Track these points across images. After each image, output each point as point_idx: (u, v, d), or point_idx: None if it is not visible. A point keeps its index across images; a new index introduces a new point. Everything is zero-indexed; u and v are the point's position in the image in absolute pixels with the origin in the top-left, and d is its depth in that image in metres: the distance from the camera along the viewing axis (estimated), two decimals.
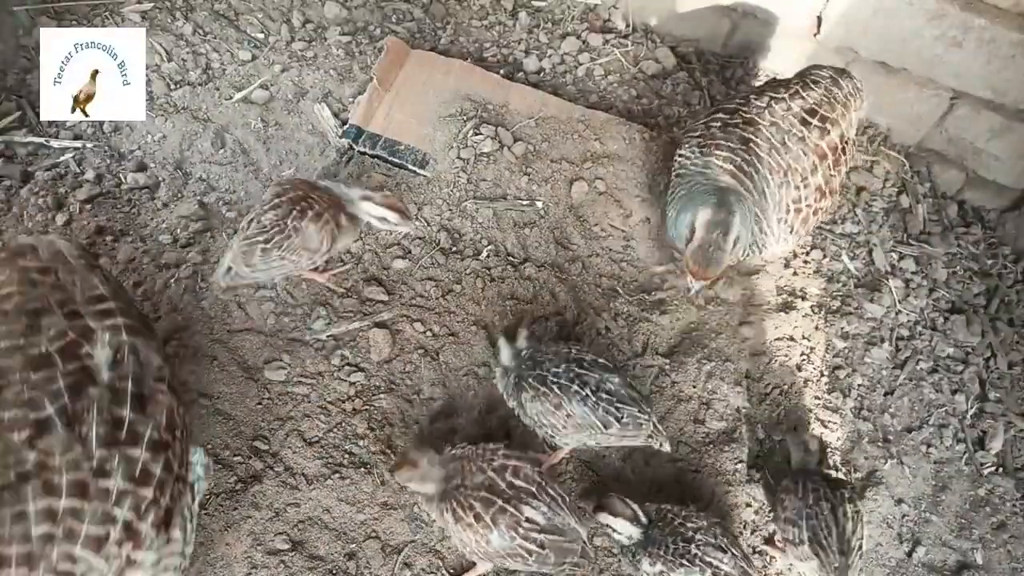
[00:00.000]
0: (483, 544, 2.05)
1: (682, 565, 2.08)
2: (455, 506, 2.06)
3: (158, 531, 1.59)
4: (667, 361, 2.64)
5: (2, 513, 1.47)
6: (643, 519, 2.15)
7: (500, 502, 2.03)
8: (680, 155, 2.54)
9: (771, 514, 2.42)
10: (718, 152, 2.42)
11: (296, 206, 2.31)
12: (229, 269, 2.36)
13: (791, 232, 2.49)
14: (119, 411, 1.61)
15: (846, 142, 2.52)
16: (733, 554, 2.12)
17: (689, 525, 2.14)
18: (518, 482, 2.07)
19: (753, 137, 2.41)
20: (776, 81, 2.61)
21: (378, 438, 2.42)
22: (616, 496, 2.17)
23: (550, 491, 2.09)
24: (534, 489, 2.07)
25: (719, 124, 2.48)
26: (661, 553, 2.11)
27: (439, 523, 2.21)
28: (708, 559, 2.08)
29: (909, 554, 2.54)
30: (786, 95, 2.47)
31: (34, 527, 1.46)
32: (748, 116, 2.45)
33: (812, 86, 2.50)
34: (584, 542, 2.12)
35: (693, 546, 2.09)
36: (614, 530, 2.16)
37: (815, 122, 2.42)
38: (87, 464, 1.52)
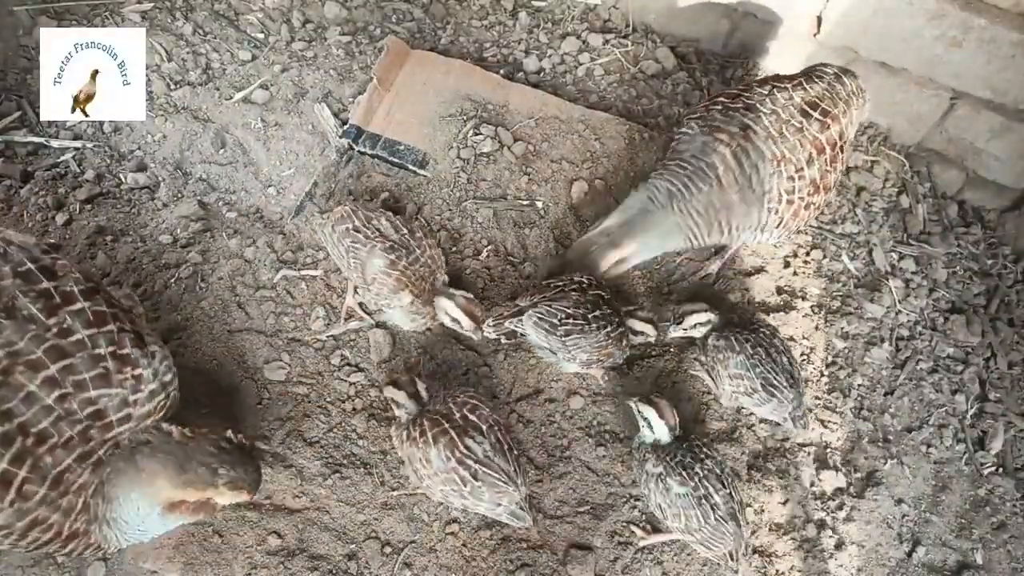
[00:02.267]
0: (424, 463, 2.15)
1: (679, 475, 2.21)
2: (414, 427, 2.18)
3: (141, 350, 1.80)
4: (667, 361, 2.64)
5: (13, 406, 1.61)
6: (677, 431, 2.31)
7: (447, 425, 2.15)
8: (680, 132, 2.55)
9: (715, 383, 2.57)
10: (718, 136, 2.41)
11: (407, 255, 2.39)
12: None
13: (780, 224, 2.47)
14: (39, 286, 1.72)
15: (845, 140, 2.51)
16: (730, 494, 2.21)
17: (705, 452, 2.27)
18: (472, 417, 2.18)
19: (752, 124, 2.39)
20: (780, 75, 2.61)
21: (378, 438, 2.42)
22: (668, 403, 2.33)
23: (499, 435, 2.19)
24: (484, 428, 2.17)
25: (720, 107, 2.47)
26: (667, 459, 2.24)
27: (398, 449, 2.29)
28: (705, 483, 2.20)
29: (909, 554, 2.54)
30: (789, 86, 2.46)
31: (47, 398, 1.64)
32: (750, 102, 2.44)
33: (816, 80, 2.49)
34: (521, 500, 2.18)
35: (698, 466, 2.22)
36: (649, 425, 2.31)
37: (816, 115, 2.40)
38: (48, 334, 1.67)
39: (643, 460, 2.31)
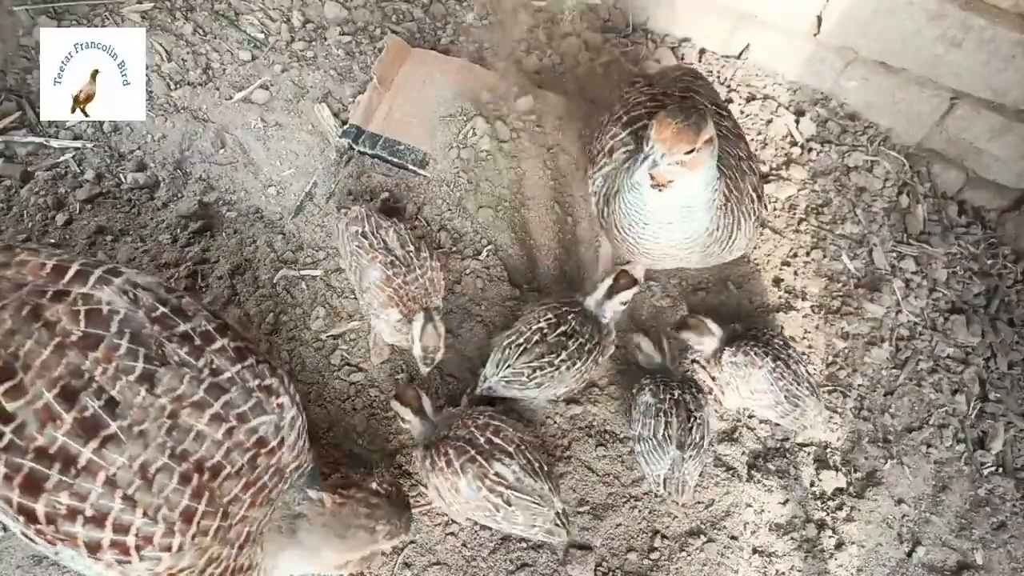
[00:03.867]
0: (453, 492, 2.12)
1: (652, 387, 2.37)
2: (433, 454, 2.15)
3: (276, 378, 1.80)
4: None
5: (186, 446, 1.61)
6: (667, 359, 2.49)
7: (473, 452, 2.12)
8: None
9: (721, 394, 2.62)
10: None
11: (406, 273, 2.37)
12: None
13: (755, 219, 2.36)
14: (177, 329, 1.70)
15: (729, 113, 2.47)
16: (689, 429, 2.30)
17: (694, 391, 2.39)
18: (496, 440, 2.15)
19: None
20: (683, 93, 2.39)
21: (378, 437, 2.42)
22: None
23: (527, 455, 2.16)
24: (511, 449, 2.14)
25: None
26: (656, 376, 2.40)
27: (420, 473, 2.26)
28: (672, 405, 2.32)
29: (909, 554, 2.54)
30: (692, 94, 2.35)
31: (215, 433, 1.65)
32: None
33: (688, 90, 2.38)
34: (559, 513, 2.16)
35: (676, 391, 2.35)
36: (640, 349, 2.49)
37: (724, 112, 2.39)
38: (200, 375, 1.67)
39: (639, 383, 2.43)
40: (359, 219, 2.45)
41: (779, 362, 2.41)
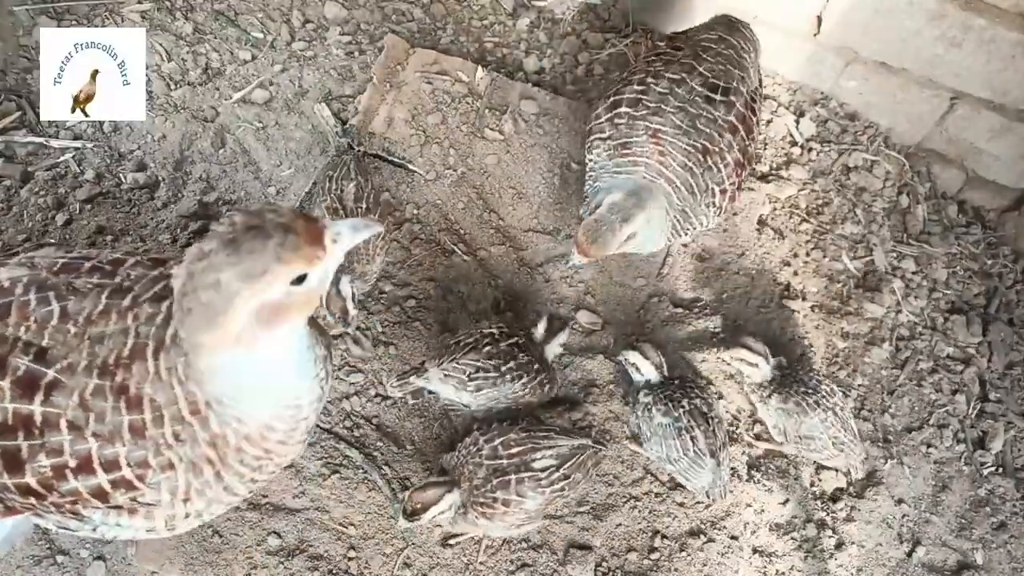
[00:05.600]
0: (524, 515, 2.17)
1: (664, 406, 2.33)
2: (481, 508, 2.13)
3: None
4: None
5: (104, 356, 1.51)
6: (664, 369, 2.42)
7: (513, 476, 2.14)
8: (591, 160, 2.41)
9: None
10: (629, 154, 2.30)
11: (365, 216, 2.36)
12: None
13: (720, 212, 2.41)
14: (83, 266, 1.66)
15: (753, 99, 2.45)
16: (713, 431, 2.31)
17: (696, 392, 2.38)
18: (514, 450, 2.17)
19: (661, 127, 2.29)
20: (669, 57, 2.45)
21: (378, 438, 2.42)
22: (650, 344, 2.46)
23: (542, 434, 2.22)
24: (530, 445, 2.18)
25: (626, 121, 2.33)
26: (658, 392, 2.37)
27: (475, 531, 2.27)
28: (688, 417, 2.30)
29: (909, 554, 2.54)
30: (683, 74, 2.35)
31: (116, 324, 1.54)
32: (654, 106, 2.31)
33: (703, 55, 2.40)
34: (590, 438, 2.28)
35: (685, 401, 2.33)
36: (637, 368, 2.42)
37: (719, 98, 2.33)
38: (112, 281, 1.61)
39: (636, 396, 2.42)
40: (334, 163, 2.47)
41: (829, 413, 2.42)
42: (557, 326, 2.43)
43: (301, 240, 1.29)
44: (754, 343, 2.47)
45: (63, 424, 1.49)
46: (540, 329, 2.43)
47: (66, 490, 1.52)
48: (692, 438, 2.28)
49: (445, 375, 2.31)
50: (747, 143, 2.40)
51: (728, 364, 2.56)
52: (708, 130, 2.30)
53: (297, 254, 1.29)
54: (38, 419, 1.50)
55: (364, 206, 2.42)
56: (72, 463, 1.50)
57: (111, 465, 1.50)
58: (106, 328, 1.53)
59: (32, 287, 1.60)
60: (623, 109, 2.35)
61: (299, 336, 1.52)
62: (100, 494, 1.53)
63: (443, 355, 2.33)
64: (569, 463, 2.19)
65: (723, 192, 2.36)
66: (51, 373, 1.51)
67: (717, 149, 2.31)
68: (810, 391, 2.44)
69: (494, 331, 2.37)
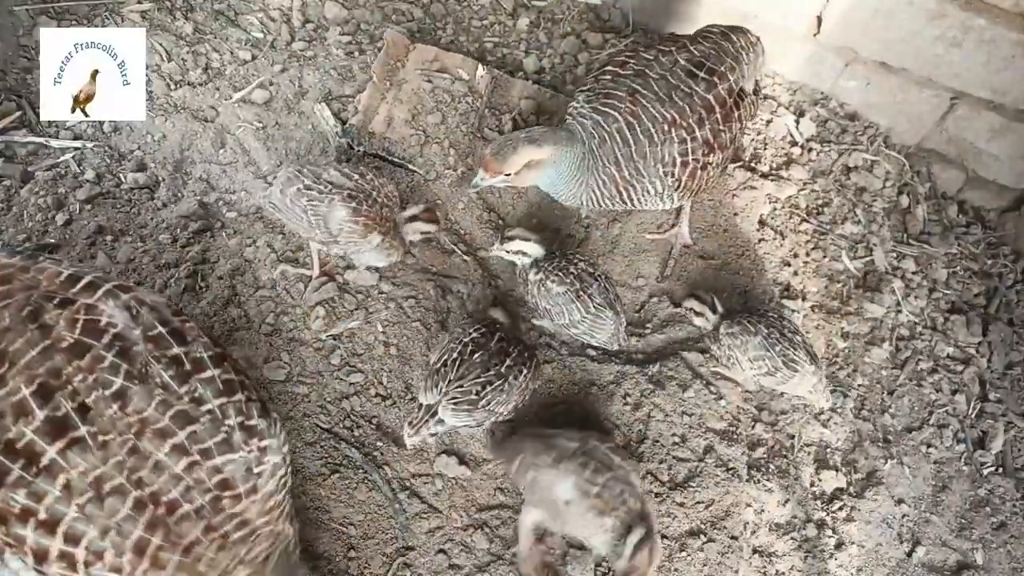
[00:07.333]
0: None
1: (556, 276, 2.44)
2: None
3: (266, 420, 1.76)
4: (668, 359, 2.65)
5: (143, 475, 1.57)
6: (545, 245, 2.51)
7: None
8: (570, 108, 2.51)
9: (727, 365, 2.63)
10: (608, 104, 2.39)
11: (367, 199, 2.41)
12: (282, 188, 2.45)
13: (679, 187, 2.44)
14: (170, 351, 1.69)
15: (740, 96, 2.48)
16: (604, 287, 2.47)
17: (578, 257, 2.52)
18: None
19: (640, 88, 2.37)
20: (667, 38, 2.61)
21: (377, 438, 2.42)
22: (523, 228, 2.56)
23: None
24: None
25: (610, 76, 2.46)
26: (545, 266, 2.46)
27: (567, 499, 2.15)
28: (580, 280, 2.43)
29: (909, 554, 2.54)
30: (673, 48, 2.45)
31: (175, 466, 1.60)
32: (638, 68, 2.42)
33: (701, 41, 2.49)
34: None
35: (572, 267, 2.46)
36: (524, 253, 2.49)
37: (701, 74, 2.39)
38: (179, 401, 1.64)
39: (525, 278, 2.51)
40: (293, 177, 2.43)
41: (772, 329, 2.47)
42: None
43: None
44: (703, 295, 2.60)
45: (61, 479, 1.52)
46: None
47: (15, 533, 1.53)
48: (589, 296, 2.41)
49: (455, 404, 2.20)
50: (721, 128, 2.42)
51: (684, 314, 2.67)
52: (682, 103, 2.36)
53: None
54: (44, 461, 1.52)
55: (358, 176, 2.47)
56: (42, 515, 1.52)
57: (72, 539, 1.52)
58: (156, 453, 1.59)
59: (115, 346, 1.64)
60: (609, 68, 2.48)
61: None
62: (42, 555, 1.53)
63: (437, 383, 2.23)
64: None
65: (684, 164, 2.39)
66: (83, 430, 1.55)
67: (686, 124, 2.36)
68: (754, 314, 2.54)
69: (474, 336, 2.30)
